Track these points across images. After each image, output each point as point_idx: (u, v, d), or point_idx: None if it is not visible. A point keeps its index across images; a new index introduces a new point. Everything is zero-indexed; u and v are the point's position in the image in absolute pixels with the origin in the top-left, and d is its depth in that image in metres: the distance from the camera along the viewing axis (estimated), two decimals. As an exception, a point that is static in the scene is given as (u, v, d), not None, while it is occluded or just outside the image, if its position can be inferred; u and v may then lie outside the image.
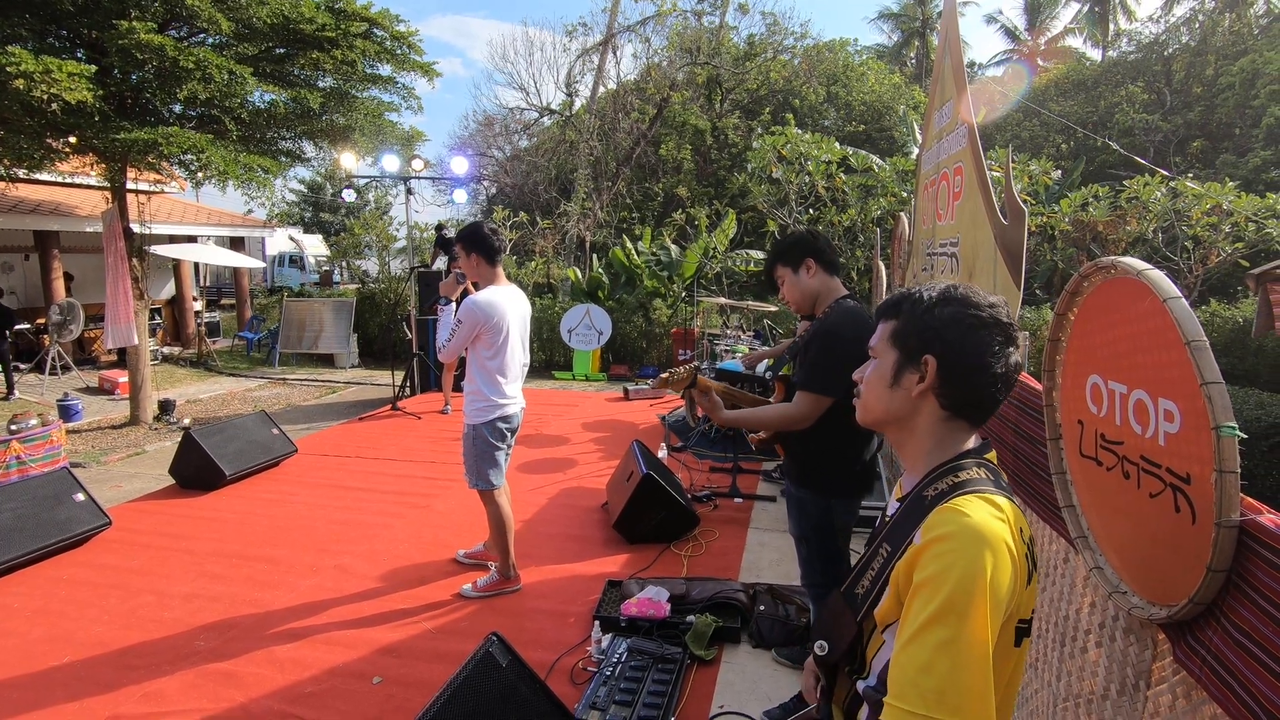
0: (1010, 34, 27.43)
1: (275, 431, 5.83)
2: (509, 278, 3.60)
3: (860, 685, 1.12)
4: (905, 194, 10.04)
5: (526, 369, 3.70)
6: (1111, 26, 25.08)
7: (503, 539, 3.59)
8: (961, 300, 1.09)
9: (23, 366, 9.83)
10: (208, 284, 16.12)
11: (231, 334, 14.05)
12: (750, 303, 7.67)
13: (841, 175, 10.64)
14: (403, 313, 9.51)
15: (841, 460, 2.36)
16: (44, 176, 8.92)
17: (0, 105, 5.59)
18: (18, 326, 9.74)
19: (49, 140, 6.83)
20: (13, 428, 5.31)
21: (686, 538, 4.28)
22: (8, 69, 5.25)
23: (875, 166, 10.84)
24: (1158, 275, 1.30)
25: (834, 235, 10.24)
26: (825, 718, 1.29)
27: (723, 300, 8.07)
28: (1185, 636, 1.28)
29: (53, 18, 6.40)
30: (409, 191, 8.87)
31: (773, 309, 7.90)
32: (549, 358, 11.05)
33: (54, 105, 5.72)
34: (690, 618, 3.21)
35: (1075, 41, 26.81)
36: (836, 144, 10.54)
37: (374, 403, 8.43)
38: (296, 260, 23.39)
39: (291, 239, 24.00)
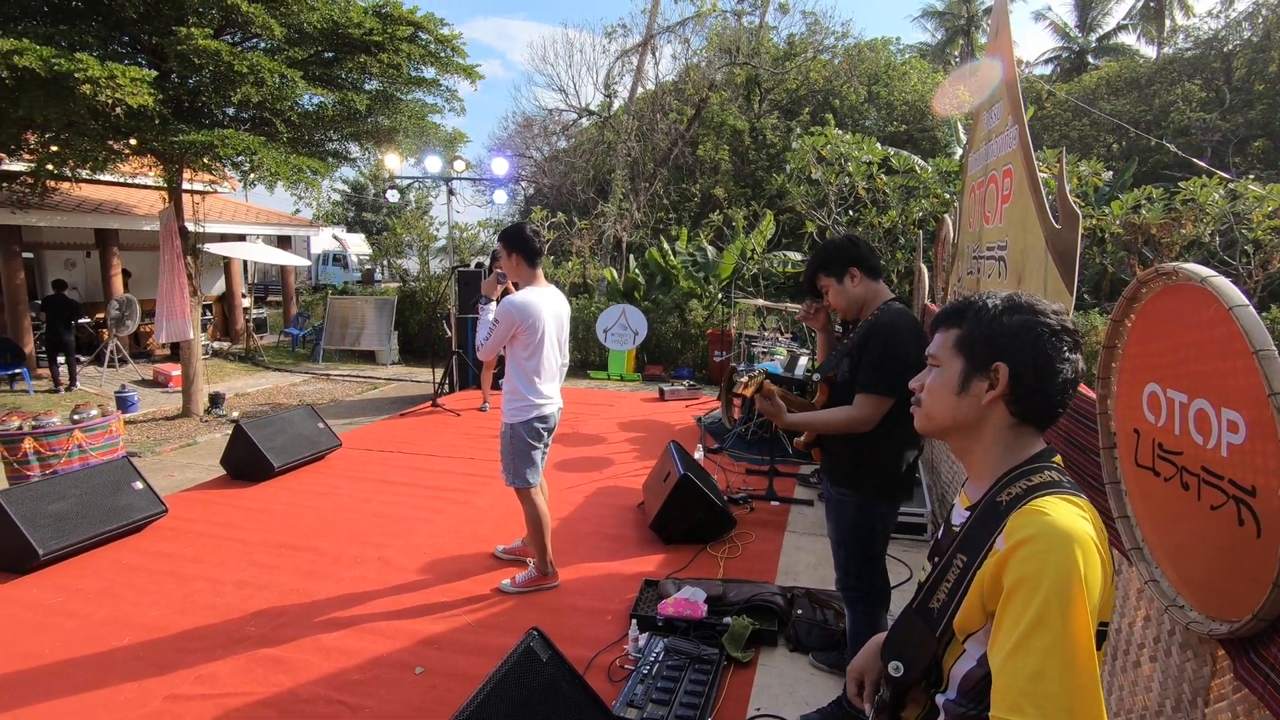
0: (1060, 31, 26.70)
1: (321, 425, 5.99)
2: (546, 278, 3.64)
3: (939, 699, 1.11)
4: (948, 195, 9.86)
5: (565, 369, 3.74)
6: (1168, 22, 24.24)
7: (540, 536, 3.63)
8: (1029, 308, 1.10)
9: (83, 359, 10.26)
10: (255, 281, 16.62)
11: (278, 330, 14.45)
12: (788, 304, 7.61)
13: (882, 176, 10.49)
14: (443, 311, 9.67)
15: (884, 463, 2.34)
16: (105, 177, 9.32)
17: (67, 109, 5.84)
18: (79, 321, 10.17)
19: (111, 142, 7.12)
20: (75, 417, 5.54)
21: (723, 539, 4.28)
22: (75, 75, 5.50)
23: (917, 167, 10.66)
24: (1223, 282, 1.27)
25: (874, 237, 10.10)
26: None
27: (760, 301, 8.03)
28: (1248, 653, 1.24)
29: (117, 25, 6.68)
30: (450, 192, 9.02)
31: (811, 311, 7.84)
32: (584, 357, 11.12)
33: (117, 109, 5.97)
34: (727, 619, 3.21)
35: (1128, 38, 25.99)
36: (878, 144, 10.39)
37: (414, 399, 8.59)
38: (340, 259, 23.95)
39: (335, 238, 24.59)
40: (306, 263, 19.18)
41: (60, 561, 3.94)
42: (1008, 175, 3.07)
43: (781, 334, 7.56)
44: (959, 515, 1.19)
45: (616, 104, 18.69)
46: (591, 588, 3.72)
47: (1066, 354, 1.08)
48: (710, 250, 12.04)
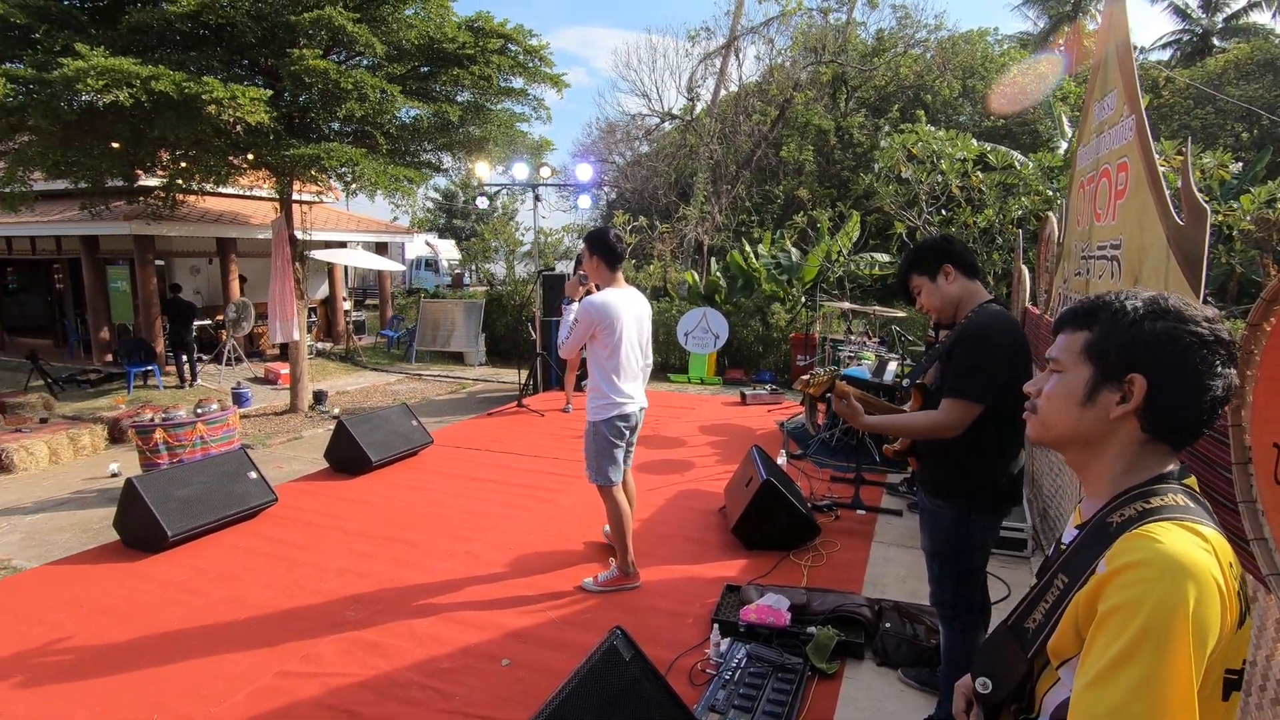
0: (1181, 12, 24.70)
1: (415, 423, 6.27)
2: (628, 281, 3.70)
3: None
4: (1051, 193, 9.29)
5: (649, 370, 3.77)
6: (1309, -3, 21.99)
7: (621, 536, 3.67)
8: (1177, 314, 0.97)
9: (204, 357, 11.15)
10: (355, 286, 17.60)
11: (374, 332, 15.24)
12: (876, 307, 7.38)
13: (978, 174, 10.01)
14: (528, 314, 9.93)
15: (984, 473, 2.22)
16: (225, 190, 10.10)
17: (196, 128, 6.38)
18: (200, 322, 11.06)
19: (231, 158, 7.73)
20: (198, 411, 6.03)
21: (806, 547, 4.19)
22: (203, 96, 6.00)
23: (1016, 163, 10.10)
24: (1386, 281, 1.14)
25: (968, 237, 9.64)
26: None
27: (846, 305, 7.82)
28: None
29: (238, 50, 7.25)
30: (537, 198, 9.26)
31: (900, 314, 7.56)
32: (664, 360, 11.16)
33: (238, 127, 6.48)
34: (811, 629, 3.14)
35: (1262, 17, 23.73)
36: (973, 140, 9.93)
37: (500, 399, 8.86)
38: (431, 264, 25.01)
39: (428, 244, 25.70)
40: (402, 268, 20.14)
41: (186, 543, 4.30)
42: (1122, 169, 2.87)
43: (869, 338, 7.33)
44: (1070, 533, 1.12)
45: (699, 107, 18.66)
46: (673, 590, 3.73)
47: (1219, 369, 0.95)
48: (794, 252, 11.83)
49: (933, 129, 10.35)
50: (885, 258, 11.51)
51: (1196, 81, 15.91)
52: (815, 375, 2.20)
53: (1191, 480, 1.02)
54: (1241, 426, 1.60)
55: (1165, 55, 24.90)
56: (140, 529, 4.21)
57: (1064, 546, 1.10)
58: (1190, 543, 0.89)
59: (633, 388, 3.61)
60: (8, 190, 7.56)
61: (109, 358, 10.91)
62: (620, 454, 3.61)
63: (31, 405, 7.95)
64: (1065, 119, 10.99)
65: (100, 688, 2.90)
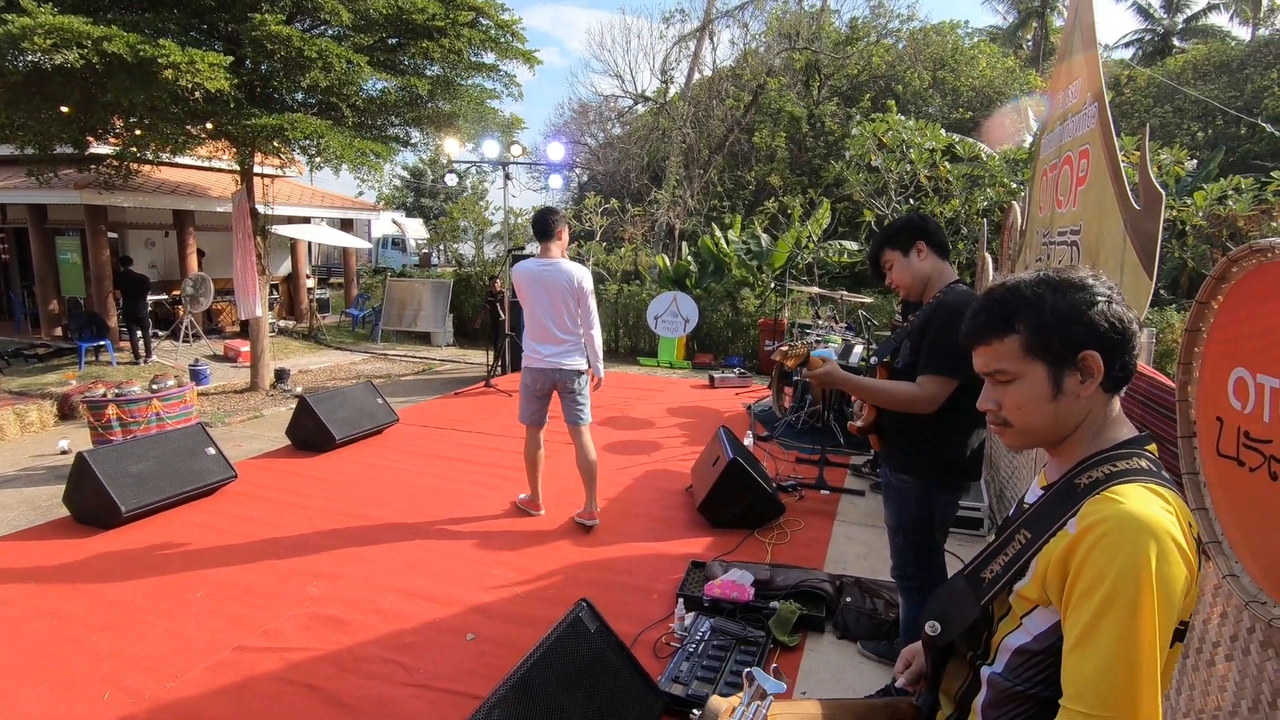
0: (1144, 12, 25.31)
1: (379, 401, 6.19)
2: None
3: (985, 671, 1.09)
4: (1015, 185, 9.48)
5: (584, 337, 4.16)
6: (1265, 1, 22.68)
7: (529, 471, 4.38)
8: (1071, 284, 1.05)
9: (160, 334, 10.82)
10: (319, 263, 17.18)
11: (339, 310, 14.95)
12: (844, 293, 7.47)
13: (946, 164, 10.16)
14: (497, 295, 9.82)
15: (946, 449, 2.27)
16: (183, 160, 9.77)
17: (151, 94, 6.13)
18: (156, 297, 10.72)
19: (189, 126, 7.45)
20: (154, 387, 5.85)
21: (771, 525, 4.25)
22: (159, 60, 5.76)
23: (984, 155, 10.28)
24: (1326, 258, 1.19)
25: (935, 226, 9.81)
26: (928, 706, 1.26)
27: (815, 289, 7.90)
28: (1338, 651, 1.18)
29: (196, 12, 6.97)
30: (507, 176, 9.14)
31: (867, 300, 7.67)
32: (634, 344, 11.16)
33: (196, 93, 6.24)
34: (774, 603, 3.19)
35: (1219, 19, 24.44)
36: (942, 131, 10.07)
37: (467, 380, 8.78)
38: (398, 243, 24.58)
39: (395, 222, 25.21)
40: (368, 245, 19.75)
41: (141, 519, 4.19)
42: (1084, 156, 2.94)
43: (836, 323, 7.43)
44: (1034, 494, 1.16)
45: (673, 90, 18.57)
46: (638, 566, 3.76)
47: (1119, 308, 1.04)
48: (764, 238, 11.89)
49: (903, 118, 10.47)
50: (854, 245, 11.64)
51: (1158, 79, 16.33)
52: (793, 346, 2.22)
53: (1153, 447, 1.07)
54: (1188, 401, 1.66)
55: (1128, 54, 25.52)
56: (92, 504, 4.09)
57: (1026, 506, 1.13)
58: (1154, 504, 0.94)
59: (543, 348, 4.07)
60: (-52, 153, 7.21)
61: (58, 332, 10.54)
62: (533, 403, 4.19)
63: (-25, 379, 7.64)
64: (1031, 113, 11.20)
65: (53, 664, 2.82)
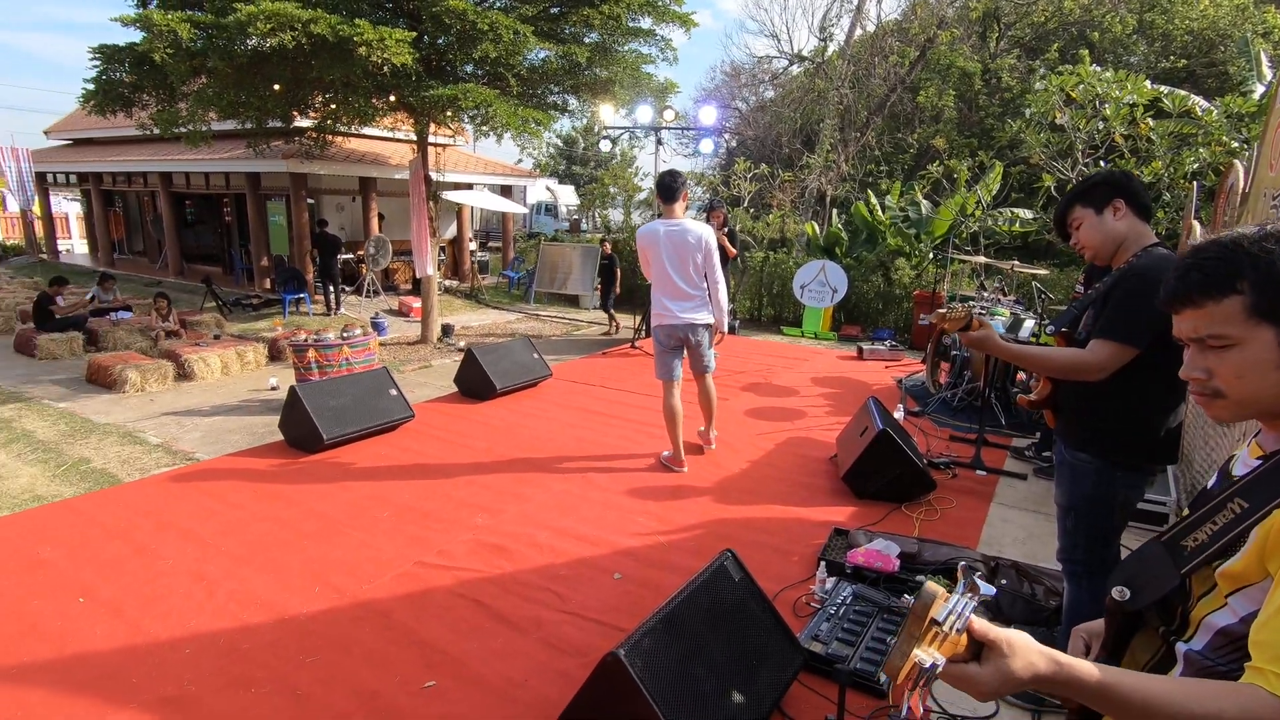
0: None
1: (536, 356, 6.59)
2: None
3: (1181, 648, 1.03)
4: (1237, 144, 8.18)
5: (708, 291, 4.39)
6: None
7: (670, 428, 4.57)
8: None
9: (347, 289, 12.11)
10: (478, 228, 18.35)
11: (496, 272, 15.91)
12: (1016, 263, 6.89)
13: (1148, 121, 8.95)
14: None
15: (1135, 425, 2.07)
16: (368, 131, 10.75)
17: (348, 69, 6.80)
18: (343, 256, 11.98)
19: (375, 100, 8.19)
20: (344, 335, 6.61)
21: (919, 501, 4.10)
22: (355, 38, 6.37)
23: (1198, 109, 8.94)
24: None
25: (1129, 191, 8.71)
26: None
27: (982, 259, 7.34)
28: None
29: (384, -8, 7.59)
30: (659, 142, 9.23)
31: (1041, 271, 7.02)
32: (778, 313, 10.97)
33: (385, 68, 6.84)
34: (920, 578, 3.11)
35: None
36: (1147, 83, 8.87)
37: (614, 341, 9.09)
38: (550, 209, 25.62)
39: (548, 189, 26.29)
40: (524, 210, 20.76)
41: (337, 447, 4.80)
42: (1337, 101, 2.51)
43: (1004, 295, 6.87)
44: (1243, 466, 1.06)
45: (831, 48, 17.70)
46: (779, 529, 3.78)
47: None
48: (925, 205, 11.14)
49: (1098, 69, 9.32)
50: (1028, 214, 10.62)
51: None
52: (952, 309, 2.07)
53: None
54: None
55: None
56: (300, 431, 4.74)
57: (1235, 477, 1.04)
58: None
59: (674, 305, 4.30)
60: (190, 129, 8.42)
61: (267, 285, 12.09)
62: (668, 358, 4.45)
63: (206, 324, 9.01)
64: (1265, 58, 9.56)
65: (275, 560, 3.35)
